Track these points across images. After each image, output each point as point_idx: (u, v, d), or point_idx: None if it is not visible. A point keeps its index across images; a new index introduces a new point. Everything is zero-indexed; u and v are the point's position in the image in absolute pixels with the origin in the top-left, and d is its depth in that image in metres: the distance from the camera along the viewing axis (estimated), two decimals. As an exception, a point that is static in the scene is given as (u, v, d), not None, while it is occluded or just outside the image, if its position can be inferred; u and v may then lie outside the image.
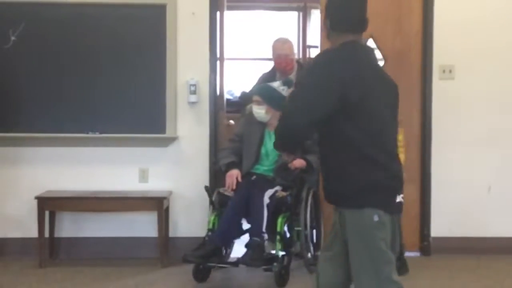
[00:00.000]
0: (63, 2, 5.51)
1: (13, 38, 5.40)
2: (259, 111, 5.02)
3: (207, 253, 4.62)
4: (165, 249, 5.43)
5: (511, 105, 5.81)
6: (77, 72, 5.54)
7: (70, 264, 5.41)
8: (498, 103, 5.80)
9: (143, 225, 5.63)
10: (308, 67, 2.84)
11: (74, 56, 5.53)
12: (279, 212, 4.82)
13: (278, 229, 4.75)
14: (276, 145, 2.99)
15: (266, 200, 4.74)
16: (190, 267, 5.25)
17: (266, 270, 4.67)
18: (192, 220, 5.67)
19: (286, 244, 4.80)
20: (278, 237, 4.72)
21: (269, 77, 5.55)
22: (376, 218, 2.81)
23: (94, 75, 5.54)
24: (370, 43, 5.72)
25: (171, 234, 5.62)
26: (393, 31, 5.70)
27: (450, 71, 5.77)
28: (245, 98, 5.80)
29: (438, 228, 5.79)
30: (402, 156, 5.07)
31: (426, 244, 5.73)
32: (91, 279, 5.01)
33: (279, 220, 4.78)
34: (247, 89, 6.27)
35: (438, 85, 5.75)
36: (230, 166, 4.96)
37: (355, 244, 2.85)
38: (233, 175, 4.89)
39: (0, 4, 5.44)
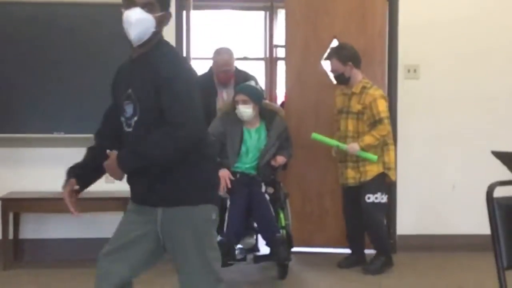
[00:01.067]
0: (31, 2, 5.45)
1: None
2: (247, 110, 5.04)
3: (225, 252, 4.68)
4: (131, 250, 5.40)
5: (473, 104, 5.90)
6: (43, 72, 5.48)
7: (35, 266, 5.36)
8: (461, 102, 5.89)
9: (109, 226, 5.54)
10: (173, 70, 2.72)
11: (41, 56, 5.47)
12: (274, 208, 4.96)
13: (283, 224, 4.94)
14: (162, 161, 2.71)
15: (266, 196, 4.89)
16: (156, 268, 5.23)
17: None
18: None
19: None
20: (284, 231, 4.90)
21: (207, 80, 5.52)
22: (214, 215, 2.83)
23: (60, 75, 5.49)
24: (334, 43, 5.76)
25: (137, 235, 5.58)
26: (357, 31, 5.74)
27: (415, 71, 5.84)
28: None
29: (404, 226, 5.85)
30: (393, 153, 5.14)
31: (392, 242, 5.78)
32: (56, 281, 4.97)
33: (281, 216, 4.97)
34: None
35: (403, 85, 5.81)
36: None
37: (187, 242, 2.78)
38: (225, 176, 4.91)
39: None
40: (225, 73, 5.44)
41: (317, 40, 5.82)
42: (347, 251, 5.47)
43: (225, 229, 4.76)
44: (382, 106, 5.05)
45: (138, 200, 2.91)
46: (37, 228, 5.59)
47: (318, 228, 5.86)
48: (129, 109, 2.78)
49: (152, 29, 2.76)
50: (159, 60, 2.75)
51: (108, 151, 2.74)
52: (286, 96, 6.14)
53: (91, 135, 5.38)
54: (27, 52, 5.47)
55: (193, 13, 6.07)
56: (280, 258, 4.77)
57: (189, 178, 2.78)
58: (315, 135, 5.22)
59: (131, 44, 2.80)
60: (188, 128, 2.67)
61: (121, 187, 5.52)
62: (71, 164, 5.53)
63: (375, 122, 5.05)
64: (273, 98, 7.52)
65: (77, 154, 5.49)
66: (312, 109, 5.84)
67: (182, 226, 2.78)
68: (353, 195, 5.22)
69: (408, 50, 5.80)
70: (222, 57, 5.52)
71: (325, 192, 5.79)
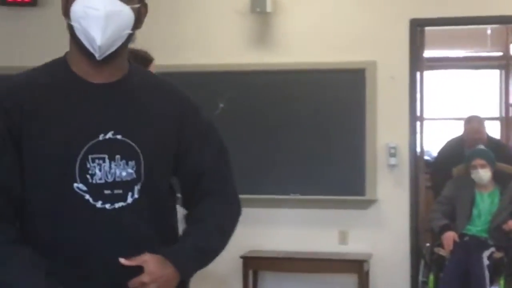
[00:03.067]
0: (267, 70, 5.77)
1: (221, 105, 5.72)
2: (486, 173, 5.09)
3: None
4: (365, 312, 5.38)
5: None
6: (279, 136, 5.74)
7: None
8: None
9: (342, 287, 5.62)
10: (207, 120, 1.91)
11: (277, 120, 5.74)
12: (496, 273, 4.86)
13: None
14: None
15: (485, 261, 4.80)
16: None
17: None
18: (392, 283, 5.57)
19: None
20: None
21: (456, 145, 5.74)
22: None
23: (296, 138, 5.70)
24: None
25: (371, 298, 5.56)
26: None
27: None
28: (442, 162, 5.82)
29: None
30: None
31: None
32: None
33: (501, 282, 4.85)
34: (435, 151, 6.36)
35: None
36: (444, 228, 5.04)
37: None
38: (450, 237, 4.97)
39: (209, 73, 5.81)
40: (476, 140, 5.46)
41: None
42: None
43: None
44: None
45: None
46: (274, 286, 5.77)
47: None
48: (108, 169, 1.64)
49: (128, 31, 1.69)
50: (170, 87, 1.82)
51: (122, 259, 1.61)
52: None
53: (325, 197, 5.60)
54: (265, 118, 5.77)
55: (426, 74, 6.05)
56: None
57: None
58: None
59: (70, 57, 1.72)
60: (238, 197, 1.96)
61: (355, 248, 5.59)
62: (305, 224, 5.72)
63: None
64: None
65: (311, 215, 5.71)
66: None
67: None
68: None
69: None
70: (472, 125, 5.67)
71: None
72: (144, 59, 3.09)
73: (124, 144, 1.66)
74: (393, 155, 5.58)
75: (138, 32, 1.79)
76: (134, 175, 1.66)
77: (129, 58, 1.78)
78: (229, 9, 5.79)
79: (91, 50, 1.64)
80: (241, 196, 6.14)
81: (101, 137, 1.64)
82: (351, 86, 5.68)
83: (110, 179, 1.63)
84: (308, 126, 5.70)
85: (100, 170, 1.63)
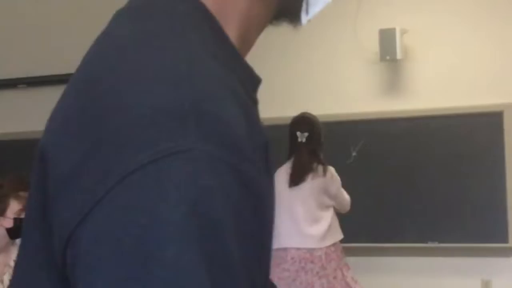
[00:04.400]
0: (399, 117, 5.72)
1: (354, 154, 5.73)
2: None
3: None
4: None
5: None
6: (414, 183, 5.65)
7: None
8: None
9: None
10: None
11: (411, 167, 5.66)
12: None
13: None
14: None
15: None
16: None
17: None
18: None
19: None
20: None
21: None
22: None
23: (431, 184, 5.59)
24: None
25: None
26: None
27: None
28: None
29: None
30: None
31: None
32: None
33: None
34: None
35: None
36: None
37: None
38: None
39: (341, 122, 5.83)
40: None
41: None
42: None
43: None
44: None
45: None
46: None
47: None
48: None
49: None
50: None
51: None
52: None
53: (465, 245, 5.42)
54: (398, 165, 5.69)
55: None
56: None
57: None
58: None
59: None
60: None
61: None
62: (445, 273, 5.56)
63: None
64: None
65: (451, 263, 5.54)
66: None
67: None
68: None
69: None
70: None
71: None
72: None
73: None
74: (537, 199, 5.35)
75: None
76: None
77: None
78: (359, 59, 5.83)
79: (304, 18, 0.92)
80: (376, 245, 6.13)
81: None
82: (488, 130, 5.53)
83: None
84: (444, 172, 5.58)
85: None
